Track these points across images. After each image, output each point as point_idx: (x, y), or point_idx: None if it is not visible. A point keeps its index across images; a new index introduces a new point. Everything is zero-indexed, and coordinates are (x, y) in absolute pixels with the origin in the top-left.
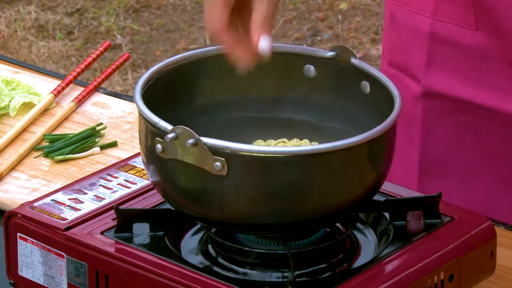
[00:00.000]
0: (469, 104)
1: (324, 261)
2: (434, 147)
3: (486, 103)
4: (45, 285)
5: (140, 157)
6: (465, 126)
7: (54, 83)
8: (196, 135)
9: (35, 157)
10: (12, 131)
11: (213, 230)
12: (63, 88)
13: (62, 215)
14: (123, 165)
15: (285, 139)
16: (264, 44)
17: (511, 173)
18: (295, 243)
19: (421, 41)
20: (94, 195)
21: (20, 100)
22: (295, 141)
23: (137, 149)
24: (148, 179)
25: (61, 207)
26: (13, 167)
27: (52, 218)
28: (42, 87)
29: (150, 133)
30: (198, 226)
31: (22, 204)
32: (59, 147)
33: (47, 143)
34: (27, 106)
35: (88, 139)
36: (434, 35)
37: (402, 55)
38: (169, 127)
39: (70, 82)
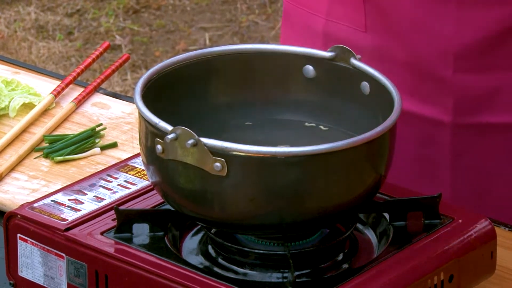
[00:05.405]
0: None
1: (324, 261)
2: None
3: None
4: (45, 286)
5: (140, 158)
6: None
7: (54, 84)
8: (196, 136)
9: (35, 158)
10: (12, 131)
11: (213, 230)
12: (63, 89)
13: (62, 216)
14: (123, 165)
15: None
16: None
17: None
18: (295, 243)
19: (315, 40)
20: (94, 196)
21: (20, 100)
22: None
23: (137, 149)
24: (148, 180)
25: (61, 207)
26: (13, 168)
27: (52, 218)
28: (42, 87)
29: (150, 134)
30: (198, 226)
31: (22, 205)
32: (59, 147)
33: (47, 144)
34: (27, 106)
35: (88, 140)
36: (327, 35)
37: None
38: (169, 127)
39: (70, 82)
